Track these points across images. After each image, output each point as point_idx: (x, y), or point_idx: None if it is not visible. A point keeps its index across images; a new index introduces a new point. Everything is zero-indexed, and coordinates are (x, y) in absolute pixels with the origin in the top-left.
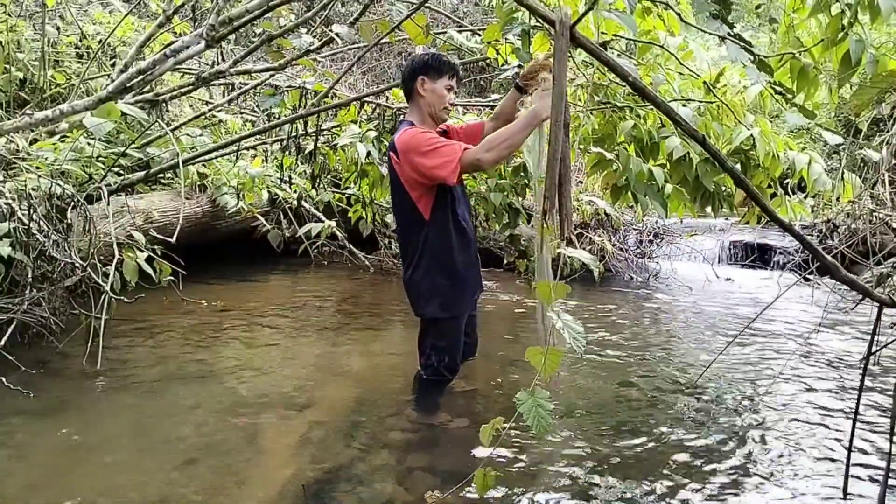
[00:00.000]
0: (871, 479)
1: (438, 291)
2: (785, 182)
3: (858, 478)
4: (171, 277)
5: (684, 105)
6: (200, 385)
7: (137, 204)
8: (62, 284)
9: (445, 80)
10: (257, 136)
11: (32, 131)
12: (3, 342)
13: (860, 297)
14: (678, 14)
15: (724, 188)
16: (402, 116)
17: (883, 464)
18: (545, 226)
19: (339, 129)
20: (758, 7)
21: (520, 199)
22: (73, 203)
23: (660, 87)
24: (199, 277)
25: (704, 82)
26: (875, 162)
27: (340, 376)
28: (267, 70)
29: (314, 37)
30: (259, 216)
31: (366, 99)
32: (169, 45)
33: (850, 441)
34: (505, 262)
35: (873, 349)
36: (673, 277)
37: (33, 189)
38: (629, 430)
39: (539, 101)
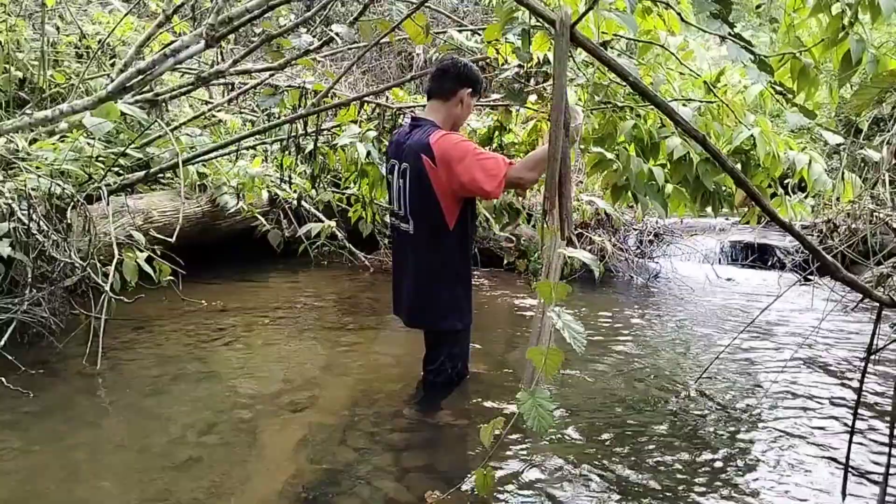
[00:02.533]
0: (871, 480)
1: (457, 304)
2: (785, 182)
3: (858, 478)
4: (171, 277)
5: (684, 105)
6: (200, 385)
7: (137, 204)
8: (62, 284)
9: (474, 101)
10: (257, 136)
11: (32, 131)
12: (3, 342)
13: (860, 297)
14: (678, 14)
15: (724, 188)
16: (403, 116)
17: (883, 464)
18: (545, 226)
19: (339, 128)
20: (758, 7)
21: (520, 199)
22: (72, 203)
23: (660, 87)
24: (199, 277)
25: (705, 82)
26: (875, 162)
27: (340, 376)
28: (267, 70)
29: (314, 36)
30: (259, 216)
31: (366, 99)
32: (168, 44)
33: (850, 441)
34: (505, 262)
35: (873, 349)
36: (673, 277)
37: (33, 189)
38: (629, 431)
39: (572, 121)
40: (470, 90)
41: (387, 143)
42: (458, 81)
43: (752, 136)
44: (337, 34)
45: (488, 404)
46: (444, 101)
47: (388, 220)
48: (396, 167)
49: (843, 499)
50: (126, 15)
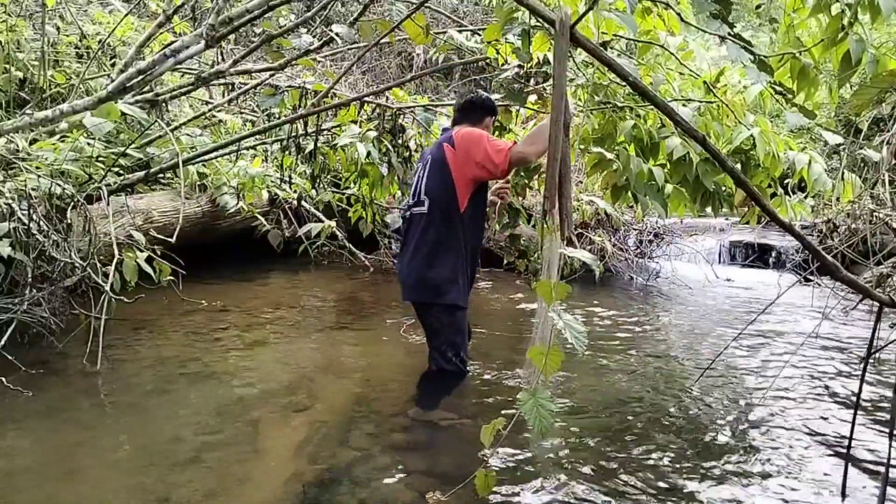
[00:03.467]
0: (871, 480)
1: (457, 281)
2: (785, 182)
3: (858, 478)
4: (171, 277)
5: (684, 105)
6: (200, 385)
7: (137, 204)
8: (62, 284)
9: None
10: (257, 136)
11: (32, 131)
12: (3, 342)
13: (860, 297)
14: (678, 14)
15: (724, 188)
16: (403, 116)
17: (882, 463)
18: (545, 226)
19: (339, 129)
20: (758, 7)
21: (520, 199)
22: (73, 203)
23: (660, 87)
24: (199, 277)
25: (704, 82)
26: (875, 162)
27: (340, 376)
28: (267, 70)
29: (314, 37)
30: (259, 216)
31: (366, 99)
32: (169, 44)
33: (850, 441)
34: (505, 262)
35: (873, 349)
36: (673, 277)
37: (33, 189)
38: (629, 430)
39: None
40: (492, 117)
41: (387, 143)
42: (484, 111)
43: (751, 136)
44: (337, 34)
45: (489, 404)
46: (471, 122)
47: (387, 221)
48: (421, 166)
49: (843, 498)
50: (126, 15)
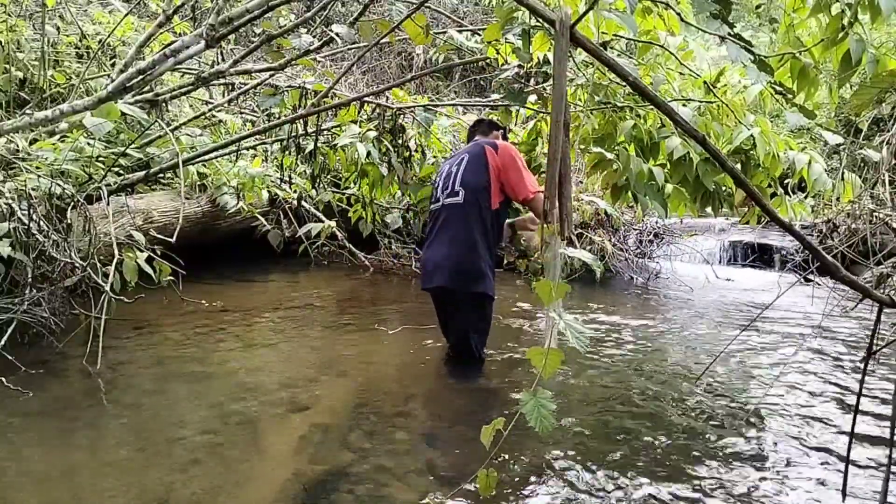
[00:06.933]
0: (872, 480)
1: (489, 275)
2: (785, 182)
3: (858, 479)
4: (171, 277)
5: (684, 105)
6: (200, 385)
7: (137, 204)
8: (62, 284)
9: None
10: (257, 136)
11: (32, 131)
12: (3, 342)
13: (860, 297)
14: (678, 14)
15: (724, 188)
16: (403, 116)
17: (883, 464)
18: (545, 226)
19: (339, 129)
20: (758, 7)
21: None
22: (73, 203)
23: (660, 87)
24: (199, 277)
25: (704, 82)
26: (875, 162)
27: (340, 376)
28: (267, 70)
29: (314, 37)
30: (259, 216)
31: (366, 99)
32: (169, 44)
33: (850, 441)
34: (505, 261)
35: (873, 349)
36: (673, 277)
37: (33, 189)
38: (629, 431)
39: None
40: (500, 132)
41: (387, 143)
42: (491, 127)
43: (751, 136)
44: (337, 34)
45: (489, 404)
46: (485, 136)
47: (388, 221)
48: (451, 164)
49: (843, 499)
50: (126, 15)
